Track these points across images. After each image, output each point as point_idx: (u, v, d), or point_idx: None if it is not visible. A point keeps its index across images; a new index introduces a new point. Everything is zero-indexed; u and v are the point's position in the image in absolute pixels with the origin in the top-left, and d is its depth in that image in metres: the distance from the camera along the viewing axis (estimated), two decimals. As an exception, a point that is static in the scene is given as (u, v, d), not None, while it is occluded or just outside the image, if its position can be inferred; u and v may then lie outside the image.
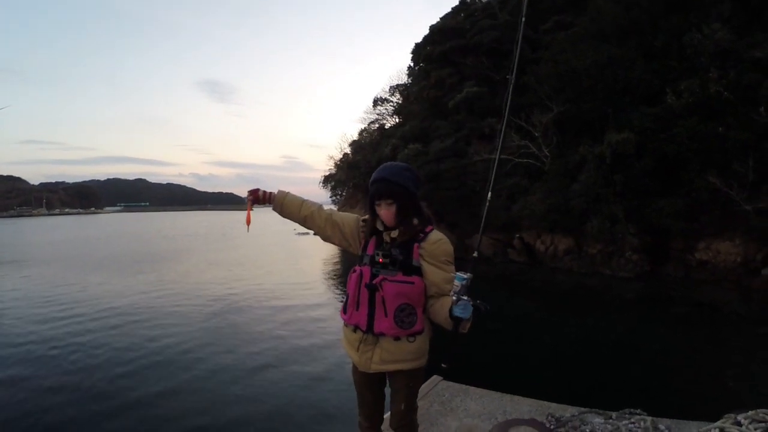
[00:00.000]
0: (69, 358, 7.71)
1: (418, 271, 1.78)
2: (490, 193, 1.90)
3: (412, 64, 32.71)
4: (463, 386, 3.36)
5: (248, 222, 2.19)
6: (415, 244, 1.80)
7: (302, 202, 2.06)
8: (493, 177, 1.91)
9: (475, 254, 1.79)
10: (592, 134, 16.29)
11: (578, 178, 15.62)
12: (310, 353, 7.87)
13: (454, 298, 1.65)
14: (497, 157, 1.92)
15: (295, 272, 17.93)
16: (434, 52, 29.01)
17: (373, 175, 1.89)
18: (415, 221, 1.83)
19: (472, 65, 25.22)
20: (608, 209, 14.23)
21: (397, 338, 1.79)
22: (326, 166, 45.02)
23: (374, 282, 1.80)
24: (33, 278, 16.76)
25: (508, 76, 2.00)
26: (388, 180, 1.82)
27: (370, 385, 1.96)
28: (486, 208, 1.90)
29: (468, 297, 1.65)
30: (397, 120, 33.51)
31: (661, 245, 14.09)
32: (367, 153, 31.70)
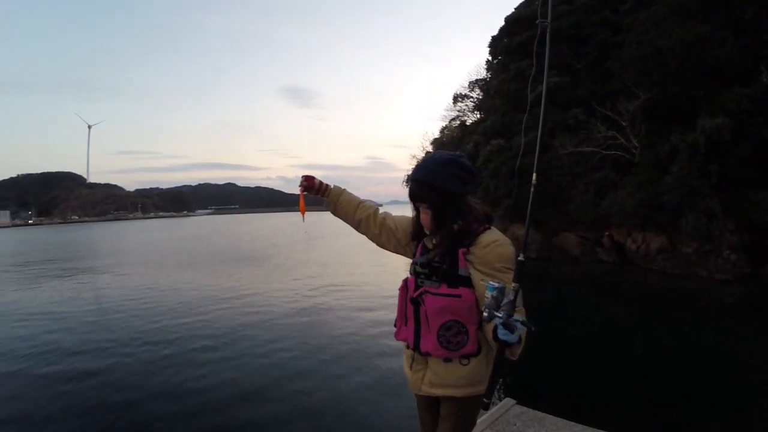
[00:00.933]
0: (158, 353, 8.15)
1: (466, 282, 1.53)
2: (534, 174, 1.59)
3: (490, 58, 32.40)
4: (539, 414, 3.03)
5: (303, 211, 2.08)
6: (461, 249, 1.54)
7: (359, 203, 1.91)
8: (537, 158, 1.67)
9: (521, 257, 1.45)
10: (684, 121, 15.37)
11: (670, 169, 14.90)
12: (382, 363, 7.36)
13: (485, 314, 1.36)
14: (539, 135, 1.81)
15: (379, 274, 17.57)
16: (511, 44, 28.64)
17: (412, 172, 1.71)
18: (458, 225, 1.57)
19: (551, 54, 24.54)
20: (704, 203, 13.49)
21: (447, 360, 1.58)
22: (409, 166, 46.02)
23: (416, 295, 1.61)
24: (128, 276, 18.55)
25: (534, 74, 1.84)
26: (418, 182, 1.62)
27: (426, 405, 1.80)
28: (532, 193, 1.60)
29: (513, 314, 1.34)
30: (478, 116, 33.49)
31: (763, 244, 13.03)
32: (449, 150, 32.16)
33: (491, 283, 1.37)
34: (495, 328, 1.34)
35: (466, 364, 1.58)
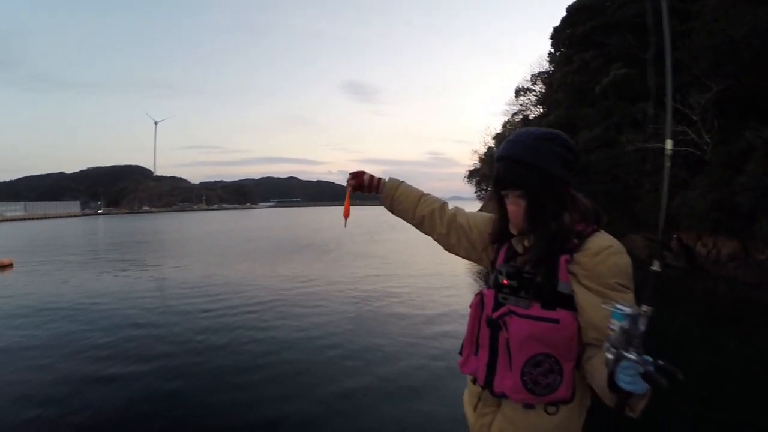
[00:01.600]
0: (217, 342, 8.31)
1: (568, 302, 1.14)
2: (666, 182, 1.23)
3: (552, 50, 31.56)
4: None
5: (346, 214, 1.72)
6: (563, 257, 1.14)
7: (420, 196, 1.55)
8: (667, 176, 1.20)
9: (656, 267, 1.11)
10: (760, 115, 14.45)
11: (745, 168, 14.13)
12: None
13: (609, 356, 0.95)
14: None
15: (441, 274, 16.26)
16: (574, 35, 27.77)
17: (498, 150, 1.29)
18: (565, 221, 1.18)
19: (616, 45, 23.62)
20: (781, 206, 12.77)
21: (528, 405, 1.17)
22: (471, 161, 45.67)
23: (496, 316, 1.20)
24: (190, 266, 19.53)
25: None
26: (514, 159, 1.21)
27: None
28: (664, 203, 1.25)
29: (640, 354, 0.93)
30: (541, 110, 32.85)
31: None
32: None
33: (620, 307, 0.95)
34: (612, 372, 0.94)
35: (553, 413, 1.16)
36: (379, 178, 1.62)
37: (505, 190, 1.26)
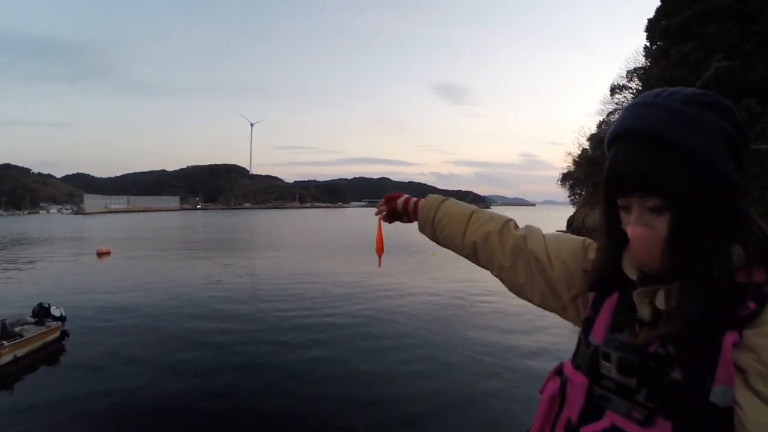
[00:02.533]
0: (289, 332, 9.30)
1: (723, 423, 0.55)
2: None
3: (647, 44, 29.28)
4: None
5: (380, 251, 1.30)
6: (729, 335, 0.55)
7: (471, 214, 1.02)
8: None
9: None
10: None
11: None
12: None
13: None
14: None
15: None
16: (670, 26, 25.65)
17: (614, 125, 0.69)
18: (734, 262, 0.59)
19: (716, 35, 21.50)
20: None
21: None
22: (564, 163, 43.38)
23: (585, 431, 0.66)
24: (280, 260, 21.32)
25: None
26: (647, 137, 0.62)
27: None
28: None
29: None
30: (639, 108, 30.61)
31: None
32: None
33: None
34: None
35: None
36: (417, 200, 1.16)
37: (625, 196, 0.65)
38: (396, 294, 13.30)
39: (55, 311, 9.98)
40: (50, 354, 8.99)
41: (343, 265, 19.50)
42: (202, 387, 7.02)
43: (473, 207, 1.06)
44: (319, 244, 30.81)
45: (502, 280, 0.97)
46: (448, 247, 1.09)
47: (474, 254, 1.01)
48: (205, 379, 7.34)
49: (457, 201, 1.09)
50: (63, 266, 20.34)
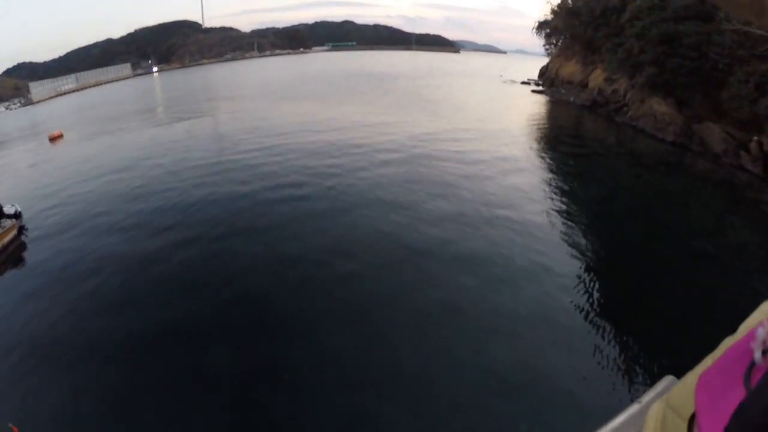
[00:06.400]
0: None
1: None
2: None
3: None
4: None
5: None
6: None
7: None
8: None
9: None
10: None
11: None
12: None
13: None
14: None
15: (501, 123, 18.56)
16: None
17: None
18: None
19: None
20: None
21: None
22: (542, 13, 42.80)
23: None
24: (238, 113, 22.31)
25: None
26: None
27: None
28: None
29: None
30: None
31: None
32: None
33: None
34: None
35: None
36: None
37: None
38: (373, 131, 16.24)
39: (9, 209, 9.35)
40: (12, 254, 8.56)
41: (314, 109, 21.46)
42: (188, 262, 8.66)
43: None
44: (290, 89, 32.33)
45: None
46: None
47: None
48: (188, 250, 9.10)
49: None
50: (16, 158, 19.21)
